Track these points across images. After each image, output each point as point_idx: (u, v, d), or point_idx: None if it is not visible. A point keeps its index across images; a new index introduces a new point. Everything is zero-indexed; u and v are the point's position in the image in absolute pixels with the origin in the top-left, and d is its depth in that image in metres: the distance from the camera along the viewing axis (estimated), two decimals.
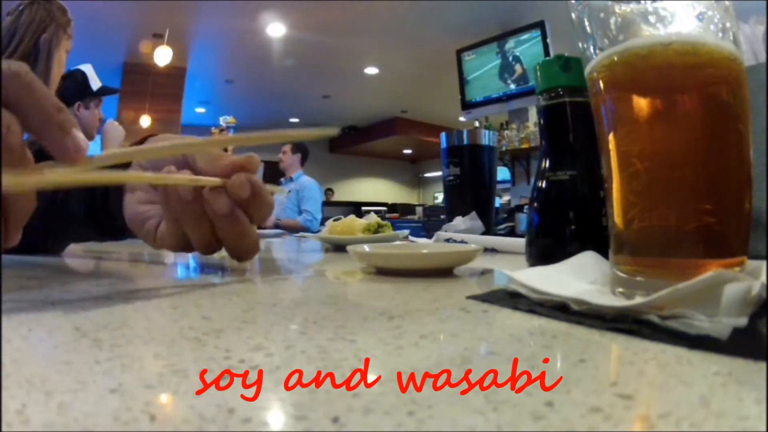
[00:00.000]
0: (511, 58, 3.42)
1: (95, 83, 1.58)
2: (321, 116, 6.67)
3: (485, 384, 0.14)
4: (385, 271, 0.39)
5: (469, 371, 0.15)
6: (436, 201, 8.33)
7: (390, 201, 8.18)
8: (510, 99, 3.48)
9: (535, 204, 0.44)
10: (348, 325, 0.21)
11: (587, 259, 0.31)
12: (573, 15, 0.26)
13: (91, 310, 0.24)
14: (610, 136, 0.25)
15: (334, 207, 3.69)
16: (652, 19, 0.23)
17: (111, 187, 0.48)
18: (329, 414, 0.12)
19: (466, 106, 3.73)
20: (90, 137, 1.62)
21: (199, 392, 0.13)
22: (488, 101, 3.60)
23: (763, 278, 0.21)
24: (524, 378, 0.14)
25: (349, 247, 0.42)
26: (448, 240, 0.69)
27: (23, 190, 0.25)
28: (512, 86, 3.43)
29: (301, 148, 3.14)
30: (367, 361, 0.16)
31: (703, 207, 0.23)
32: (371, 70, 4.95)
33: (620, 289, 0.24)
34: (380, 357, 0.16)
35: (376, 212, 0.93)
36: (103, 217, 0.50)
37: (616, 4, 0.24)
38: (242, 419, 0.11)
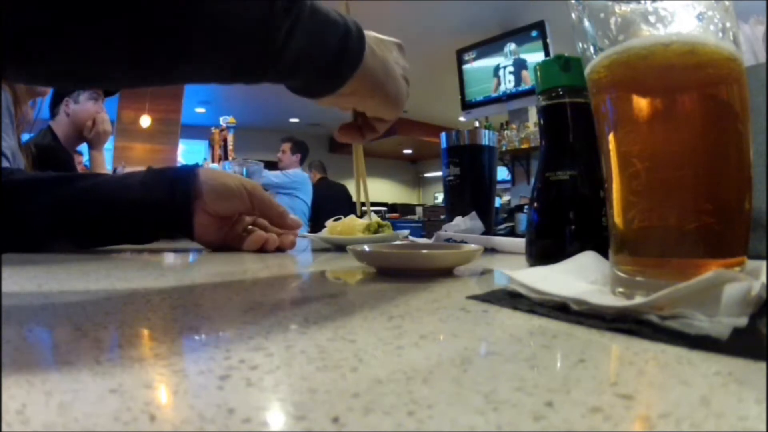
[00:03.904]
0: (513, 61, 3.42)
1: None
2: (321, 116, 6.66)
3: (485, 384, 0.14)
4: (385, 271, 0.39)
5: (469, 371, 0.15)
6: (436, 201, 8.32)
7: (390, 201, 8.18)
8: (510, 99, 3.48)
9: (535, 204, 0.44)
10: (348, 325, 0.21)
11: (587, 259, 0.31)
12: (573, 15, 0.26)
13: (91, 310, 0.24)
14: (610, 136, 0.25)
15: None
16: (652, 19, 0.23)
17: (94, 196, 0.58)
18: (329, 414, 0.12)
19: (466, 106, 3.73)
20: (83, 130, 1.58)
21: (199, 392, 0.13)
22: (488, 101, 3.60)
23: (763, 278, 0.21)
24: (524, 378, 0.14)
25: (349, 247, 0.42)
26: (448, 240, 0.69)
27: None
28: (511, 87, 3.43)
29: (301, 148, 3.15)
30: (367, 361, 0.16)
31: (703, 207, 0.23)
32: None
33: (620, 289, 0.24)
34: (380, 357, 0.16)
35: (376, 212, 0.93)
36: (79, 228, 0.58)
37: (616, 4, 0.24)
38: (242, 419, 0.11)
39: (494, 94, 3.52)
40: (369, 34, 0.40)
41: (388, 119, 0.46)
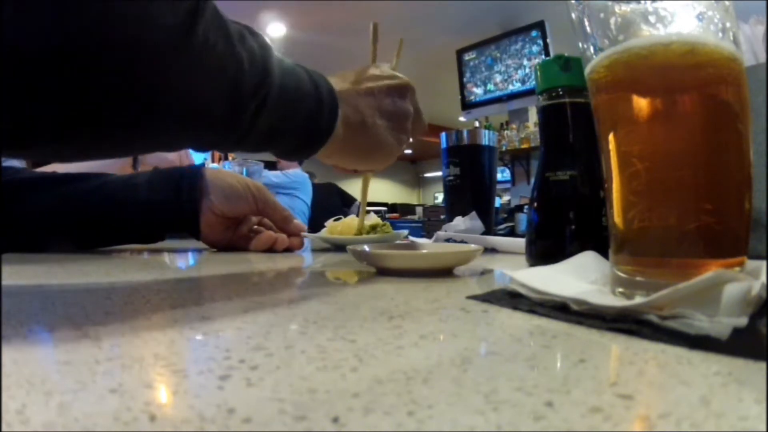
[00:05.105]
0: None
1: None
2: None
3: (485, 384, 0.14)
4: (385, 271, 0.39)
5: (469, 371, 0.15)
6: (436, 201, 8.32)
7: (390, 201, 8.18)
8: (510, 99, 3.47)
9: (535, 204, 0.44)
10: (348, 325, 0.21)
11: (587, 259, 0.31)
12: (573, 15, 0.26)
13: (91, 309, 0.24)
14: (610, 136, 0.25)
15: None
16: (652, 19, 0.23)
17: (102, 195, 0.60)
18: (329, 414, 0.12)
19: (466, 106, 3.73)
20: None
21: (199, 392, 0.13)
22: (488, 101, 3.60)
23: (763, 278, 0.21)
24: (524, 378, 0.14)
25: (349, 247, 0.42)
26: (448, 240, 0.69)
27: None
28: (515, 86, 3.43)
29: None
30: (367, 361, 0.16)
31: (703, 207, 0.23)
32: None
33: (620, 289, 0.24)
34: (380, 357, 0.16)
35: (376, 212, 0.92)
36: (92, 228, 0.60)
37: (616, 4, 0.24)
38: (242, 419, 0.11)
39: (491, 95, 3.53)
40: (349, 90, 0.40)
41: (376, 170, 0.48)
